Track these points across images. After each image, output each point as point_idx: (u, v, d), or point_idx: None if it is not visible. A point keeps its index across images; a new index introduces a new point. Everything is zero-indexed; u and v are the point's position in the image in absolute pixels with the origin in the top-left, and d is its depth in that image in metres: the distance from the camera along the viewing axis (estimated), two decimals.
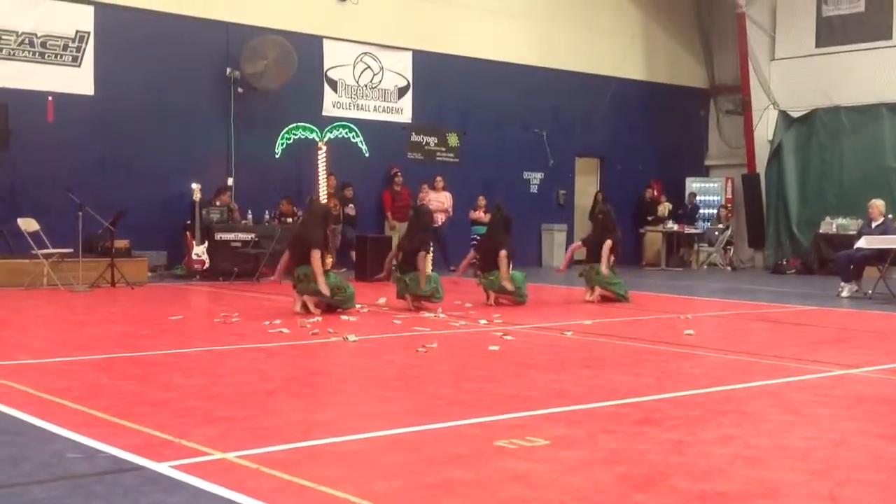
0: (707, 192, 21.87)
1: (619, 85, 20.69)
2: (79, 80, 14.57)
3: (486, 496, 3.60)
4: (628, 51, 21.06)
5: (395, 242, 15.53)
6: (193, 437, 4.38)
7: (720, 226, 20.70)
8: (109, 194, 13.98)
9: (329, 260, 10.14)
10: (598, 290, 11.80)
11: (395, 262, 11.33)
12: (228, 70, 15.75)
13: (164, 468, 3.87)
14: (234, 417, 4.85)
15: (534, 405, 5.30)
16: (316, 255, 9.76)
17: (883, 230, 13.34)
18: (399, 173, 17.29)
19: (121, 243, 13.49)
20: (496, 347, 7.56)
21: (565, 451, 4.25)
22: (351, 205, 16.66)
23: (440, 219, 17.01)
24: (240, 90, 15.86)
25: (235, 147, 15.94)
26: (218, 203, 15.12)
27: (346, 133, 16.17)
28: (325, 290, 9.73)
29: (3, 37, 13.99)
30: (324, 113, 16.88)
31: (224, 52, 15.80)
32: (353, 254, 15.96)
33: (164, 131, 15.26)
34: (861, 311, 11.44)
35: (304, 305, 9.86)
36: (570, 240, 19.94)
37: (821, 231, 18.87)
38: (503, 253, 11.18)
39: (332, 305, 9.98)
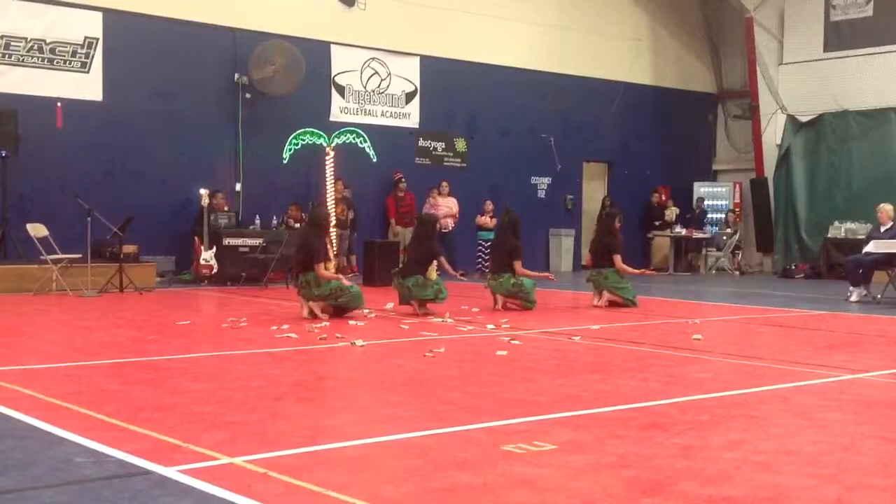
0: (715, 196, 21.83)
1: (627, 90, 20.68)
2: (87, 86, 14.62)
3: (493, 501, 3.60)
4: (636, 56, 21.04)
5: (400, 248, 15.64)
6: (201, 442, 4.38)
7: (728, 230, 20.67)
8: (118, 200, 14.03)
9: (331, 265, 10.23)
10: (605, 295, 11.79)
11: (396, 268, 11.39)
12: (236, 76, 15.79)
13: (172, 472, 3.88)
14: (242, 422, 4.86)
15: (541, 410, 5.29)
16: (319, 267, 9.91)
17: (892, 234, 13.30)
18: (402, 178, 17.28)
19: (129, 248, 13.53)
20: (504, 352, 7.55)
21: (573, 456, 4.24)
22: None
23: (450, 224, 17.05)
24: (248, 96, 15.89)
25: (243, 152, 15.98)
26: (227, 208, 15.17)
27: (354, 138, 16.19)
28: (336, 279, 10.10)
29: (13, 43, 14.06)
30: (331, 118, 16.90)
31: (232, 58, 15.84)
32: (353, 258, 16.10)
33: (173, 137, 15.31)
34: (870, 316, 11.41)
35: (311, 311, 9.88)
36: (577, 244, 19.96)
37: (829, 235, 18.83)
38: (518, 264, 11.24)
39: (340, 308, 10.01)
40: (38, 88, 14.17)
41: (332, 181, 15.87)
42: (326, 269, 10.16)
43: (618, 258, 11.85)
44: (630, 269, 12.13)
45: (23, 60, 14.14)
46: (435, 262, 10.72)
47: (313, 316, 9.80)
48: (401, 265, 11.74)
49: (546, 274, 12.40)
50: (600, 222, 13.01)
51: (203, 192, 14.44)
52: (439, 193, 17.49)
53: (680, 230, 20.29)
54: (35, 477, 3.84)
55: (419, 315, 10.28)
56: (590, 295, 12.19)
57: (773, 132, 20.63)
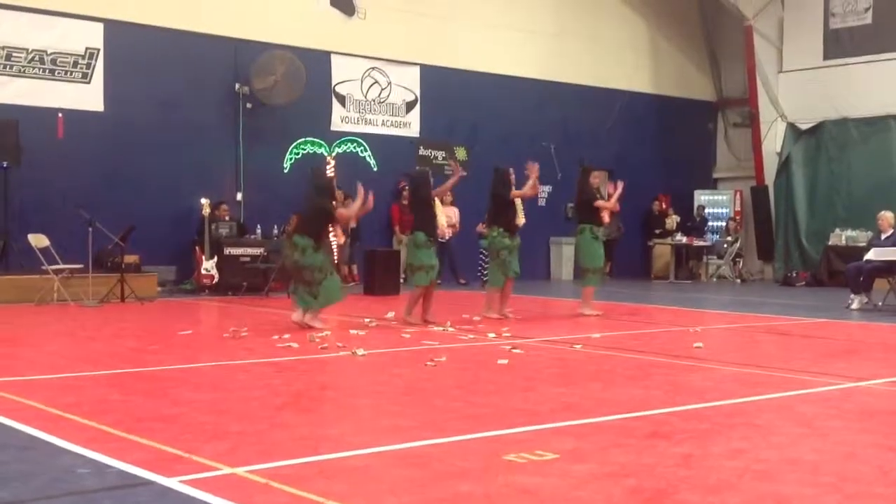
0: (716, 204, 21.85)
1: (627, 98, 20.70)
2: (88, 96, 14.64)
3: None
4: (636, 64, 21.07)
5: (402, 256, 15.64)
6: (203, 452, 4.38)
7: (729, 238, 20.68)
8: (119, 210, 14.03)
9: (340, 232, 10.24)
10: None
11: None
12: (237, 86, 15.80)
13: (173, 483, 3.88)
14: (244, 432, 4.86)
15: (543, 419, 5.29)
16: (341, 212, 10.27)
17: (892, 242, 13.31)
18: (408, 187, 17.31)
19: (130, 258, 13.54)
20: (505, 361, 7.55)
21: (575, 465, 4.24)
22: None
23: (448, 233, 17.04)
24: (248, 106, 15.91)
25: (244, 162, 15.99)
26: (227, 218, 15.19)
27: (355, 148, 16.23)
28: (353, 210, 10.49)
29: (14, 54, 14.09)
30: (332, 128, 16.92)
31: (233, 68, 15.86)
32: (354, 268, 16.11)
33: (174, 147, 15.31)
34: (871, 324, 11.40)
35: (305, 320, 9.75)
36: None
37: (830, 243, 18.83)
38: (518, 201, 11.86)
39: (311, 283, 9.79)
40: (40, 99, 14.18)
41: None
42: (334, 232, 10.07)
43: (599, 201, 11.86)
44: (609, 204, 12.05)
45: (24, 71, 14.17)
46: (444, 218, 10.94)
47: (307, 326, 9.66)
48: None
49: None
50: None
51: (204, 201, 14.46)
52: (442, 203, 17.47)
53: (680, 238, 20.29)
54: (36, 488, 3.84)
55: (420, 324, 10.26)
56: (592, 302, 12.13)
57: (773, 140, 20.66)
